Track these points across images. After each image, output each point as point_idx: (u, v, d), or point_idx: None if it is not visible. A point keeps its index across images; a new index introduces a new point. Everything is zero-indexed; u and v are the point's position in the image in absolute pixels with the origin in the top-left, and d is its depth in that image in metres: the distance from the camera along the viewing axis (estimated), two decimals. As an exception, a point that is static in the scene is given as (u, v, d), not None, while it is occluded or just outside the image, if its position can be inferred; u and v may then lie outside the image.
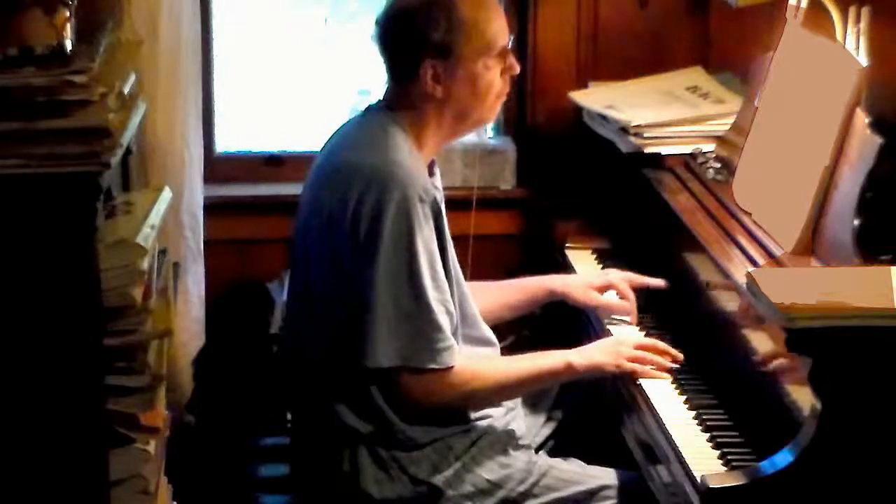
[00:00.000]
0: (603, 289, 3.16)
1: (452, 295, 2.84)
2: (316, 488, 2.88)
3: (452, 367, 2.78)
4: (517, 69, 2.92)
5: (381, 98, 2.94)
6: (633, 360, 2.85)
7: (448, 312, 2.80)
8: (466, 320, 2.93)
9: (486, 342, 3.01)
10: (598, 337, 3.04)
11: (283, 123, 4.05)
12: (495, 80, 2.88)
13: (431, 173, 2.92)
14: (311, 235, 2.86)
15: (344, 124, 2.99)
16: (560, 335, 3.17)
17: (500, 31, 2.88)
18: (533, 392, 3.04)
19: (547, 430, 3.11)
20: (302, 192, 2.95)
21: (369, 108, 2.95)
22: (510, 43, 2.91)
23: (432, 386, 2.78)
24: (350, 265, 2.77)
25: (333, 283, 2.80)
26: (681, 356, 2.87)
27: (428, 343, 2.76)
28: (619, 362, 2.85)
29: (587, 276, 3.25)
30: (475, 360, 2.89)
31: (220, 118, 3.90)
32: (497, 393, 2.90)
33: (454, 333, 2.82)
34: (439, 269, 2.80)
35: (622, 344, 2.91)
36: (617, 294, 3.15)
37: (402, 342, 2.75)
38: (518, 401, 3.06)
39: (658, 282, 3.14)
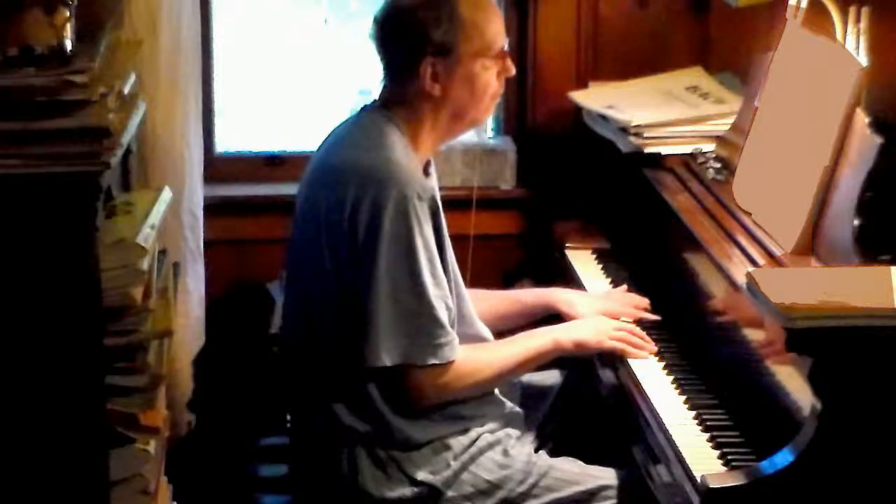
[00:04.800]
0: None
1: (450, 292, 2.85)
2: (315, 488, 2.88)
3: (454, 361, 2.80)
4: (513, 71, 2.95)
5: (377, 98, 2.94)
6: (615, 339, 2.94)
7: (447, 308, 2.81)
8: (463, 319, 2.93)
9: (481, 341, 3.00)
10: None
11: (283, 123, 4.05)
12: (492, 81, 2.89)
13: (427, 174, 2.92)
14: (307, 235, 2.86)
15: (340, 124, 3.00)
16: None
17: (498, 32, 2.90)
18: (526, 373, 3.04)
19: (547, 431, 3.11)
20: (298, 192, 2.96)
21: (365, 108, 2.95)
22: (507, 45, 2.92)
23: (435, 381, 2.79)
24: (349, 265, 2.77)
25: (331, 283, 2.80)
26: (654, 347, 2.94)
27: (429, 339, 2.77)
28: (600, 339, 2.94)
29: (593, 300, 3.20)
30: (471, 349, 2.89)
31: (220, 118, 3.91)
32: (495, 380, 2.93)
33: (452, 328, 2.83)
34: (438, 266, 2.80)
35: (605, 323, 3.00)
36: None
37: (404, 340, 2.76)
38: (517, 399, 3.06)
39: (651, 316, 3.13)
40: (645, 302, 3.14)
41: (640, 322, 3.07)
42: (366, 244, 2.75)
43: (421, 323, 2.76)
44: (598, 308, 3.12)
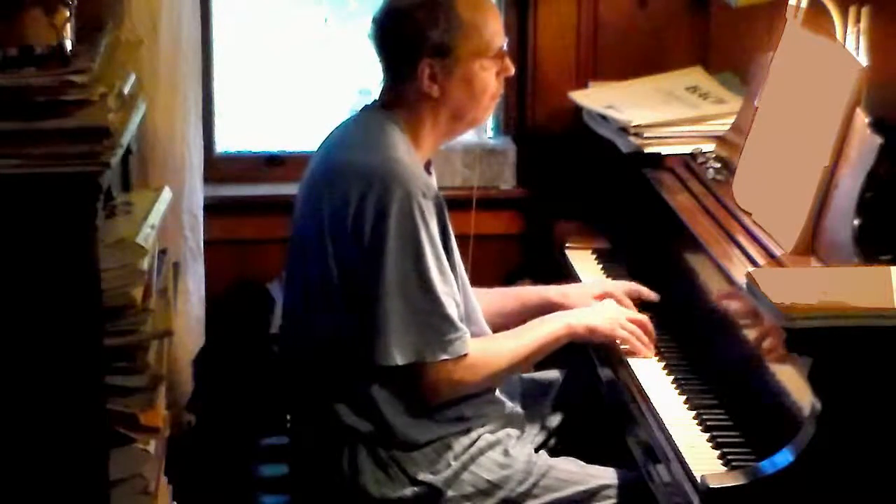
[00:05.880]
0: (601, 297, 3.14)
1: (458, 288, 2.85)
2: (315, 488, 2.88)
3: (466, 354, 2.80)
4: (512, 71, 2.95)
5: (377, 98, 2.95)
6: (627, 329, 2.93)
7: (456, 303, 2.82)
8: (468, 316, 2.93)
9: (485, 339, 3.01)
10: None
11: (283, 123, 4.05)
12: (491, 81, 2.90)
13: (428, 173, 2.92)
14: (308, 235, 2.86)
15: (340, 124, 3.00)
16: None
17: (497, 32, 2.90)
18: (539, 359, 3.03)
19: (547, 430, 3.11)
20: (298, 192, 2.96)
21: (365, 108, 2.96)
22: (505, 45, 2.92)
23: (449, 376, 2.80)
24: (356, 266, 2.77)
25: (334, 283, 2.80)
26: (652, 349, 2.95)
27: (440, 336, 2.77)
28: (613, 327, 2.93)
29: (585, 286, 3.23)
30: (483, 341, 2.90)
31: (220, 118, 3.91)
32: (510, 369, 2.93)
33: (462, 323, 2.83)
34: (445, 262, 2.81)
35: (620, 312, 2.99)
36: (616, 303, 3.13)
37: (415, 338, 2.76)
38: (518, 398, 3.06)
39: (652, 295, 3.13)
40: (639, 287, 3.13)
41: (639, 304, 3.08)
42: (372, 244, 2.75)
43: (431, 320, 2.77)
44: (591, 292, 3.13)
